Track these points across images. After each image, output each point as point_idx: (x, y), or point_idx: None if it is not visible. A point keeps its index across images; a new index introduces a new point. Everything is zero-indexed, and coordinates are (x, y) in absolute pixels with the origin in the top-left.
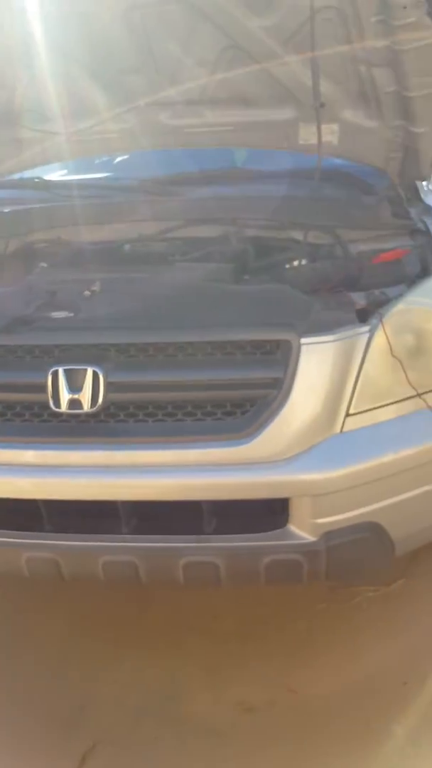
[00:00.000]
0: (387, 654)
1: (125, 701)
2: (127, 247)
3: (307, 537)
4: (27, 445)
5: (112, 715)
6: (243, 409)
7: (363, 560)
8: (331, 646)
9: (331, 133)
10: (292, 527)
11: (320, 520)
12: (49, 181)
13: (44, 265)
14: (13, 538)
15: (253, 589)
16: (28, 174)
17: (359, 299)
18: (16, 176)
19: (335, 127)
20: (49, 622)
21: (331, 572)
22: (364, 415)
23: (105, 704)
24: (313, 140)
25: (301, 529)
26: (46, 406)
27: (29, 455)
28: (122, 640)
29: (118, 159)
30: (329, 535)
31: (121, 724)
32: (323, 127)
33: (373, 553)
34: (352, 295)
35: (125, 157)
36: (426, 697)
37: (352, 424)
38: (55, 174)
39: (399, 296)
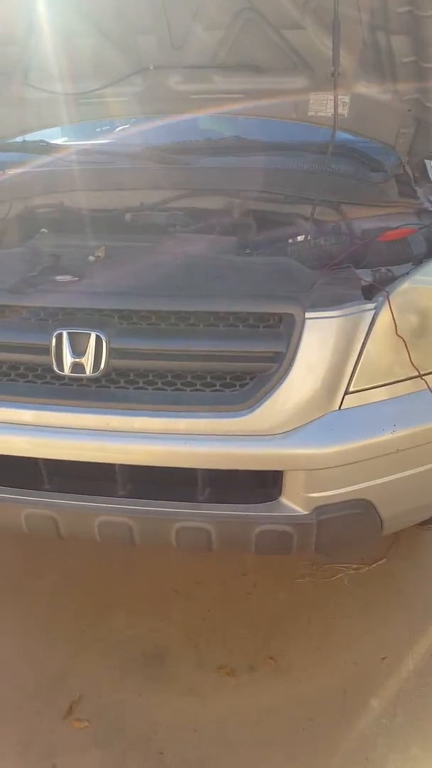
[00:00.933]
0: (366, 629)
1: (110, 659)
2: (131, 214)
3: (299, 510)
4: (29, 406)
5: (97, 670)
6: (242, 381)
7: (352, 536)
8: (311, 619)
9: (342, 105)
10: (284, 500)
11: (313, 494)
12: (54, 144)
13: (47, 229)
14: (14, 494)
15: (235, 559)
16: (31, 137)
17: (365, 276)
18: (20, 139)
19: (347, 99)
20: (37, 581)
21: (320, 545)
22: (363, 393)
23: (91, 660)
24: (323, 112)
25: (294, 502)
26: (49, 368)
27: (31, 415)
28: (108, 600)
29: (123, 125)
30: (321, 509)
31: (106, 679)
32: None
33: (362, 529)
34: (358, 272)
35: (131, 122)
36: (403, 673)
37: (351, 401)
38: (59, 138)
39: (405, 275)
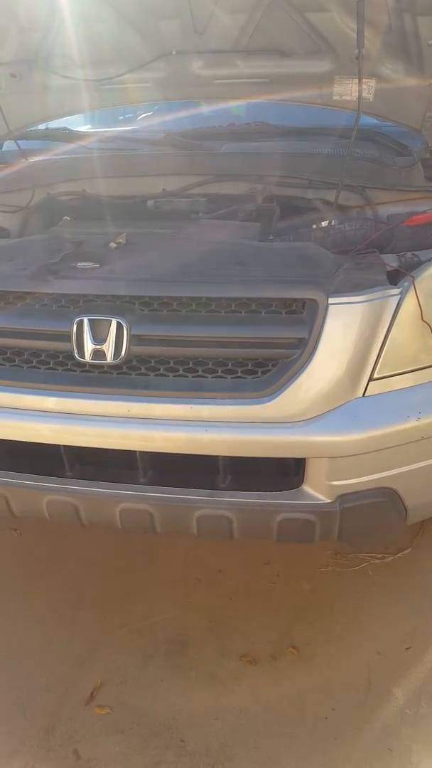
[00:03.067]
0: (390, 619)
1: (133, 645)
2: (153, 201)
3: (322, 498)
4: (50, 393)
5: (120, 657)
6: (264, 368)
7: (376, 525)
8: (334, 609)
9: (367, 89)
10: (307, 488)
11: (336, 482)
12: (77, 131)
13: (69, 216)
14: (36, 481)
15: (258, 548)
16: (53, 124)
17: (390, 261)
18: (42, 126)
19: (372, 82)
20: (60, 568)
21: (343, 534)
22: (388, 380)
23: (114, 647)
24: (348, 96)
25: (316, 490)
26: (70, 355)
27: (52, 402)
28: (131, 588)
29: (146, 112)
30: (344, 497)
31: (129, 665)
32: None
33: (387, 518)
34: (383, 257)
35: (153, 109)
36: (427, 664)
37: (375, 388)
38: (82, 125)
39: (431, 260)
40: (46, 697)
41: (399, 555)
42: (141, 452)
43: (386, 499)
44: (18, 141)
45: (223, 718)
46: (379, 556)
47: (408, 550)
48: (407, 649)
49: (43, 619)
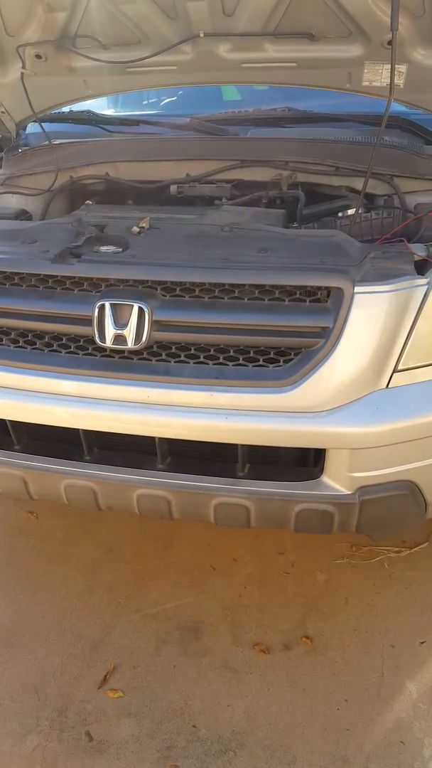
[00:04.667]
0: (405, 613)
1: (146, 630)
2: (177, 186)
3: (342, 490)
4: (71, 377)
5: (133, 641)
6: (287, 356)
7: (395, 518)
8: (348, 601)
9: (398, 75)
10: (326, 479)
11: (356, 474)
12: (101, 115)
13: (92, 201)
14: (55, 464)
15: (273, 537)
16: (78, 107)
17: (418, 251)
18: (66, 109)
19: (403, 68)
20: (75, 553)
21: (362, 527)
22: (412, 371)
23: (127, 631)
24: (378, 82)
25: (336, 482)
26: (91, 340)
27: (72, 386)
28: (145, 573)
29: (170, 97)
30: (364, 489)
31: (141, 650)
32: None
33: (407, 511)
34: (410, 246)
35: (178, 94)
36: None
37: (399, 380)
38: (106, 108)
39: None
40: (59, 679)
41: (416, 549)
42: (160, 438)
43: (407, 492)
44: (42, 123)
45: (236, 706)
46: (396, 549)
47: (425, 545)
48: (422, 643)
49: (58, 602)
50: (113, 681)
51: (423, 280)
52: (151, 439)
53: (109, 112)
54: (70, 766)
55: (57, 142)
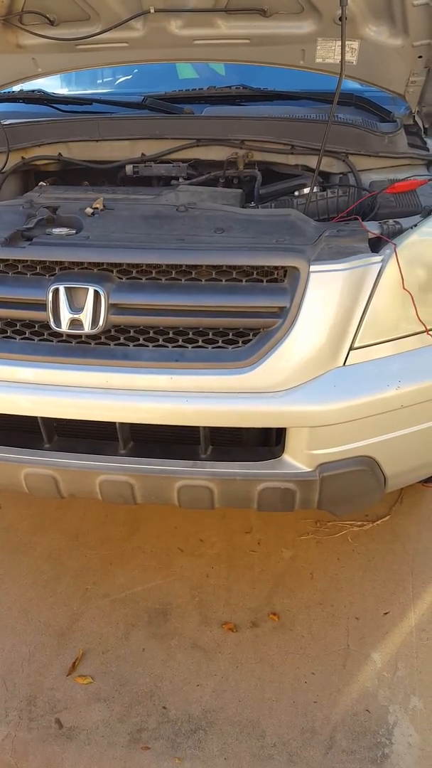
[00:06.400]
0: (369, 585)
1: (114, 615)
2: (132, 166)
3: (302, 467)
4: (27, 364)
5: (102, 627)
6: (245, 337)
7: (355, 493)
8: (314, 576)
9: (350, 51)
10: (287, 457)
11: (316, 452)
12: (52, 94)
13: (46, 182)
14: (13, 454)
15: (240, 517)
16: (28, 86)
17: (372, 228)
18: (16, 88)
19: (356, 45)
20: (43, 541)
21: (323, 503)
22: (368, 349)
23: (96, 617)
24: (331, 59)
25: (297, 460)
26: (46, 325)
27: (29, 373)
28: (112, 558)
29: (125, 75)
30: (324, 466)
31: (110, 635)
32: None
33: (366, 486)
34: (365, 224)
35: (133, 72)
36: (404, 628)
37: (355, 357)
38: (58, 88)
39: (414, 227)
40: (27, 668)
41: (378, 522)
42: (121, 423)
43: (366, 467)
44: None
45: (205, 685)
46: (359, 523)
47: (387, 518)
48: (385, 614)
49: (24, 591)
50: (82, 667)
51: (377, 258)
52: (112, 424)
53: (63, 91)
54: (40, 755)
55: (7, 122)
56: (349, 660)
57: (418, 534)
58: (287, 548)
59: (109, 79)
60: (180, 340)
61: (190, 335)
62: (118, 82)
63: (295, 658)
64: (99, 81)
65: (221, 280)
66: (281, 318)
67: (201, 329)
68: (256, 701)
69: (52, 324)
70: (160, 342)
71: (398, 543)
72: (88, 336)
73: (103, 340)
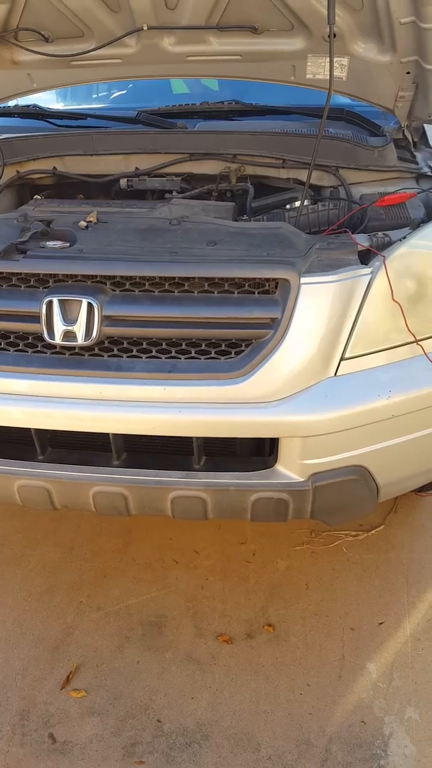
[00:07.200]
0: (364, 596)
1: (109, 628)
2: (126, 179)
3: (295, 477)
4: (21, 375)
5: (96, 640)
6: (237, 348)
7: (348, 502)
8: (309, 586)
9: (340, 68)
10: (280, 467)
11: (308, 462)
12: (47, 109)
13: (41, 196)
14: (6, 466)
15: (235, 528)
16: (23, 101)
17: (362, 241)
18: (11, 103)
19: (345, 61)
20: (36, 554)
21: (316, 513)
22: (359, 359)
23: (90, 630)
24: (321, 75)
25: (289, 470)
26: (40, 337)
27: (23, 385)
28: (107, 571)
29: (120, 90)
30: (317, 476)
31: (104, 648)
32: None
33: (359, 496)
34: (354, 237)
35: (127, 87)
36: (400, 638)
37: (346, 367)
38: (53, 103)
39: (402, 239)
40: (21, 682)
41: (372, 532)
42: (114, 435)
43: (358, 477)
44: None
45: (200, 698)
46: (353, 533)
47: (381, 527)
48: (380, 624)
49: (18, 604)
50: (76, 681)
51: (366, 270)
52: (106, 435)
53: (59, 106)
54: None
55: (2, 137)
56: (345, 671)
57: (413, 543)
58: (282, 559)
59: (104, 93)
60: (173, 351)
61: (183, 346)
62: (113, 96)
63: (291, 669)
64: (94, 96)
65: (213, 292)
66: (273, 329)
67: (194, 340)
68: (251, 713)
69: (45, 336)
70: (153, 353)
71: (393, 552)
72: (82, 348)
73: (96, 351)
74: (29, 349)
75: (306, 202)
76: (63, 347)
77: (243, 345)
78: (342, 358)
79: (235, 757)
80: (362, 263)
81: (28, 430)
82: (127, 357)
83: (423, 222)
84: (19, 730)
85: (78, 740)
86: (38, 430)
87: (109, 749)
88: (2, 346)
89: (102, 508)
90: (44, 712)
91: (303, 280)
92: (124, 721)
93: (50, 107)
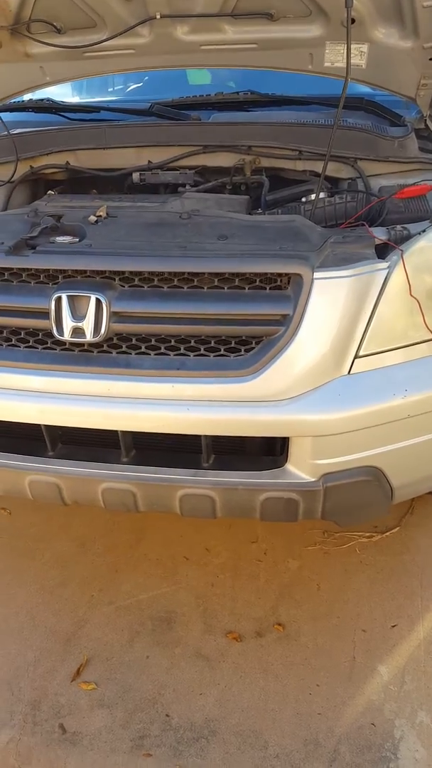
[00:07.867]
0: (377, 597)
1: (120, 622)
2: (139, 173)
3: (306, 477)
4: (30, 372)
5: (107, 634)
6: (248, 345)
7: (361, 504)
8: (321, 587)
9: (359, 55)
10: (290, 467)
11: (320, 461)
12: (60, 103)
13: (54, 191)
14: (18, 461)
15: (246, 526)
16: (37, 95)
17: (379, 234)
18: (25, 97)
19: (365, 48)
20: (50, 548)
21: (327, 513)
22: (374, 357)
23: (101, 624)
24: (340, 63)
25: (300, 469)
26: (49, 333)
27: (32, 381)
28: (118, 566)
29: (136, 83)
30: (328, 476)
31: (115, 642)
32: (351, 47)
33: (372, 497)
34: (371, 230)
35: (144, 80)
36: (412, 641)
37: (360, 366)
38: (67, 96)
39: (422, 233)
40: (33, 673)
41: (387, 534)
42: (123, 432)
43: (371, 478)
44: (0, 113)
45: (208, 694)
46: (367, 534)
47: (396, 529)
48: (393, 626)
49: (31, 597)
50: (86, 673)
51: (383, 264)
52: (115, 432)
53: (75, 99)
54: (43, 758)
55: (16, 131)
56: (355, 672)
57: (429, 546)
58: (294, 558)
59: (120, 86)
60: (182, 348)
61: (192, 343)
62: (129, 89)
63: (300, 669)
64: (110, 89)
65: (223, 288)
66: (284, 326)
67: (203, 337)
68: (260, 711)
69: (54, 332)
70: (162, 350)
71: (408, 555)
72: (90, 344)
73: (105, 348)
74: (39, 346)
75: (323, 195)
76: (72, 344)
77: (253, 342)
78: (356, 356)
79: (243, 754)
80: (379, 257)
81: (38, 425)
82: (136, 354)
83: None
84: (31, 719)
85: (87, 731)
86: (48, 426)
87: (117, 741)
88: (13, 342)
89: (111, 504)
90: (55, 703)
91: (316, 275)
92: (133, 714)
93: (65, 101)
